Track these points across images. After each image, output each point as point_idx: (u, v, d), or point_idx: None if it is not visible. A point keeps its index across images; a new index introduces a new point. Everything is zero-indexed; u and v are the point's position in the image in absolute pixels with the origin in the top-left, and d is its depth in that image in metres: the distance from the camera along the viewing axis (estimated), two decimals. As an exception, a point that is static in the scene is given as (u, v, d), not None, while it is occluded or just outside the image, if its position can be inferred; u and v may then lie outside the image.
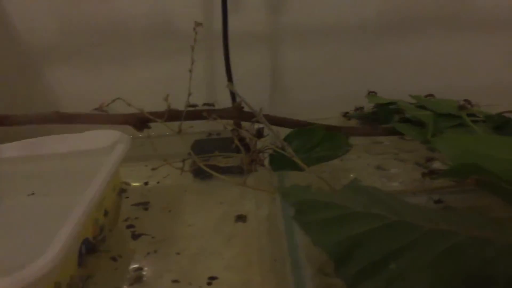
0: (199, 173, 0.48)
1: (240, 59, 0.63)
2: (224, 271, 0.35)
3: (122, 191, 0.48)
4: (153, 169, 0.42)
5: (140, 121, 0.41)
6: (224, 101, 0.49)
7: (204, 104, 0.42)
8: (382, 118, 0.49)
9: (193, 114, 0.41)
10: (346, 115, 0.55)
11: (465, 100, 0.47)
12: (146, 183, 0.49)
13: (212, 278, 0.34)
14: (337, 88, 0.65)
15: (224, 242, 0.38)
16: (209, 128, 0.62)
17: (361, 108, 0.54)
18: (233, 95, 0.56)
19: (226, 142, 0.44)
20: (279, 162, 0.40)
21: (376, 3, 0.62)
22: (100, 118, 0.41)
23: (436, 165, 0.42)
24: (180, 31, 0.61)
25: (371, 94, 0.55)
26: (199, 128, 0.48)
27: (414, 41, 0.64)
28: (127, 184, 0.49)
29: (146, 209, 0.44)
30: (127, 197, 0.46)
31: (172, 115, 0.40)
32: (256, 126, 0.45)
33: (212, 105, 0.42)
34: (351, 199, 0.28)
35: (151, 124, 0.43)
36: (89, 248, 0.36)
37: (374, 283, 0.24)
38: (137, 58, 0.63)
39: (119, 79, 0.64)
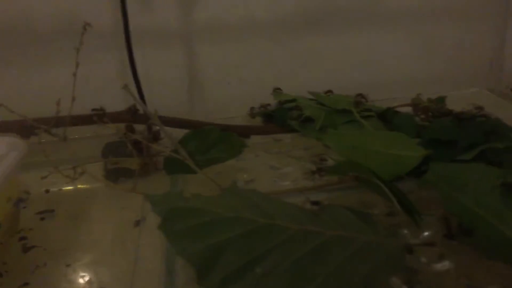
0: (109, 177, 0.47)
1: (156, 58, 0.61)
2: (113, 282, 0.34)
3: (20, 200, 0.45)
4: (42, 177, 0.40)
5: (24, 128, 0.39)
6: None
7: (93, 110, 0.40)
8: (283, 115, 0.49)
9: (84, 119, 0.40)
10: (251, 113, 0.55)
11: (359, 95, 0.48)
12: (47, 191, 0.47)
13: (98, 291, 0.33)
14: (254, 85, 0.65)
15: (118, 251, 0.37)
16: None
17: (267, 105, 0.54)
18: (142, 97, 0.55)
19: (138, 144, 0.43)
20: (173, 165, 0.39)
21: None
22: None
23: (330, 162, 0.42)
24: (89, 31, 0.59)
25: (277, 90, 0.55)
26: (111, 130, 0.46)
27: (331, 35, 0.65)
28: (27, 193, 0.47)
29: (42, 219, 0.42)
30: (25, 207, 0.44)
31: (59, 121, 0.39)
32: (154, 128, 0.44)
33: (102, 109, 0.41)
34: (224, 204, 0.28)
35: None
36: (-26, 264, 0.35)
37: (238, 289, 0.24)
38: (44, 59, 0.60)
39: (25, 82, 0.60)
